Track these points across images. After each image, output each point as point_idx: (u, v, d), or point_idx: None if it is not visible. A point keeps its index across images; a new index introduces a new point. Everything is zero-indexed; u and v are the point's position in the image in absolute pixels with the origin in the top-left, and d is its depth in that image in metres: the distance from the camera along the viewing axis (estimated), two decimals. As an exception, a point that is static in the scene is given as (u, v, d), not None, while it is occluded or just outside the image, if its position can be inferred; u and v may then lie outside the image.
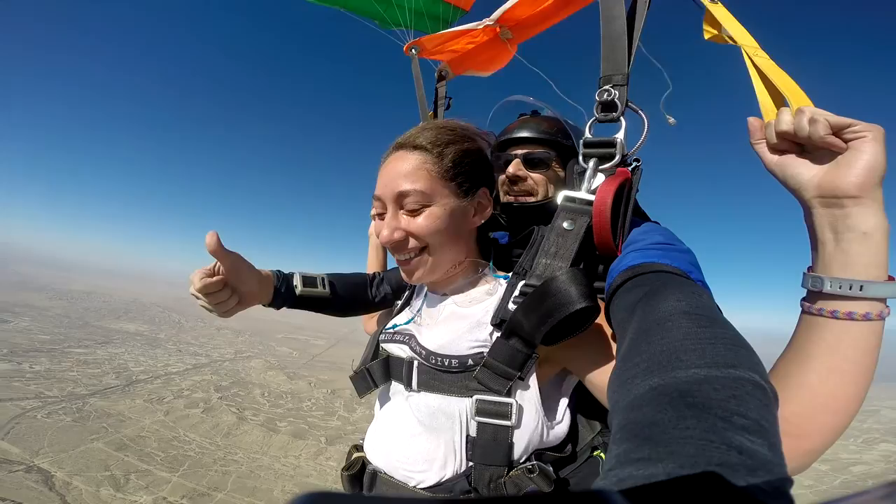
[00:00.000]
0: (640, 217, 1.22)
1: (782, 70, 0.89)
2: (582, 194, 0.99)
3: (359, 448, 1.17)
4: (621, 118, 1.06)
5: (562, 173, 1.37)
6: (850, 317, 0.70)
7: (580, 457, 1.08)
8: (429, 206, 1.01)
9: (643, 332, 0.64)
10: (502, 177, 1.42)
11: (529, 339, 0.88)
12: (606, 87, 1.06)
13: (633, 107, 1.08)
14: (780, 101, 0.88)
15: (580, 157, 1.08)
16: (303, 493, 0.22)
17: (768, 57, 0.93)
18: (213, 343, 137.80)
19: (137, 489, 49.28)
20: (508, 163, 1.41)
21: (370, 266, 1.86)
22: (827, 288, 0.72)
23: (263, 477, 56.33)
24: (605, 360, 0.90)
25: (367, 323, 1.68)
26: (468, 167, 1.06)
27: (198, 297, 1.09)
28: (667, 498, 0.35)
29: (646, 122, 1.07)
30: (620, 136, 1.05)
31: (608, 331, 0.92)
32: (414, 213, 1.01)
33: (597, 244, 0.96)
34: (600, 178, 1.03)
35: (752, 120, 0.84)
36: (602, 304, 0.90)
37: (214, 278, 1.08)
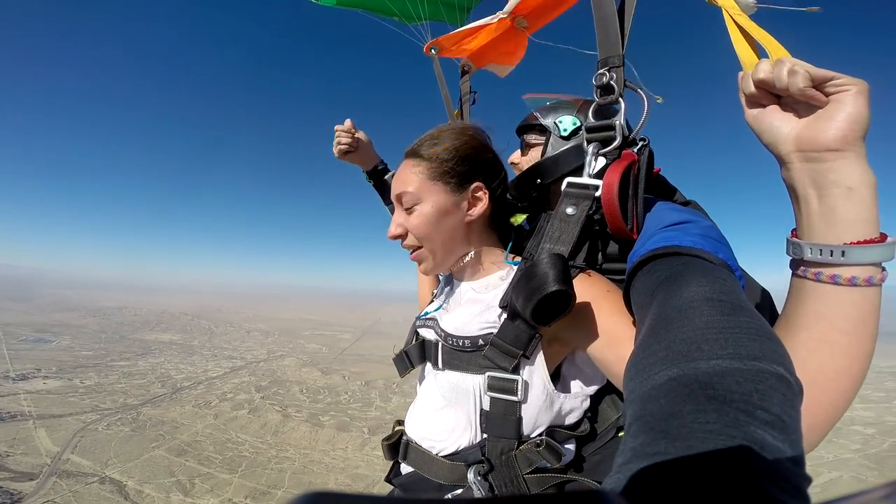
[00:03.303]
0: (669, 194, 1.24)
1: (760, 27, 0.90)
2: (584, 179, 1.02)
3: (401, 422, 1.30)
4: (620, 100, 1.06)
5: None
6: (833, 280, 0.68)
7: (604, 436, 1.12)
8: (418, 204, 1.11)
9: (663, 320, 0.63)
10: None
11: (526, 320, 0.91)
12: (602, 70, 1.07)
13: (632, 86, 1.07)
14: (758, 54, 0.90)
15: (584, 143, 1.10)
16: (303, 493, 0.23)
17: (748, 18, 0.95)
18: (246, 346, 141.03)
19: (203, 492, 51.15)
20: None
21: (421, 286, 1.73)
22: (808, 255, 0.70)
23: (316, 471, 58.04)
24: (606, 337, 0.92)
25: (420, 289, 1.70)
26: (459, 164, 1.12)
27: (337, 134, 1.62)
28: (682, 495, 0.34)
29: (645, 101, 1.07)
30: (620, 118, 1.05)
31: (611, 308, 0.94)
32: (409, 211, 1.13)
33: (611, 231, 0.99)
34: (601, 162, 1.06)
35: (741, 74, 0.84)
36: (588, 287, 0.97)
37: (348, 130, 1.63)
